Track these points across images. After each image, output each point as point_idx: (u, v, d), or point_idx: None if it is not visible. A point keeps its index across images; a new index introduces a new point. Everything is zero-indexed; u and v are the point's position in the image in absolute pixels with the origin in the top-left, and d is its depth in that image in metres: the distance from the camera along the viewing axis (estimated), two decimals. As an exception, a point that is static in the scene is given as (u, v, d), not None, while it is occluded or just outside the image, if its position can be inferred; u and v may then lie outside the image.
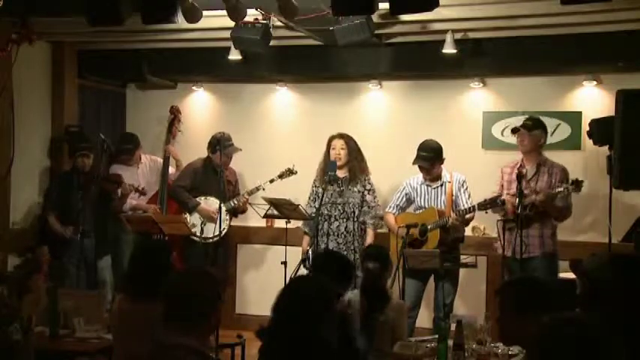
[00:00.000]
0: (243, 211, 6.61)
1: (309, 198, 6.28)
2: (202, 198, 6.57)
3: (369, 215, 6.16)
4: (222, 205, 6.22)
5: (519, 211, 5.31)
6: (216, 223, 6.28)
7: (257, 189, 6.47)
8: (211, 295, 2.82)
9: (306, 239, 6.17)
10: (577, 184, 5.35)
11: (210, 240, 6.45)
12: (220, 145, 6.40)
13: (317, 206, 6.01)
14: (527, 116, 5.95)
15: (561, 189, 5.42)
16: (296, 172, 6.43)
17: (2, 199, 6.15)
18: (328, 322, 2.72)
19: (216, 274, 3.06)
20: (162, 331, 2.72)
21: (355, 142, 6.25)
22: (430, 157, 5.84)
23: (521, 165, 5.70)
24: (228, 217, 6.52)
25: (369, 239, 6.11)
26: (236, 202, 6.51)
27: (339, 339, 2.84)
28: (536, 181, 5.69)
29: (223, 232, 6.41)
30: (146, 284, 3.81)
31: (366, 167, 6.23)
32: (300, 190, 6.40)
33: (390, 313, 4.28)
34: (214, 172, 6.52)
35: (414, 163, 5.88)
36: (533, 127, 5.74)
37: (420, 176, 5.98)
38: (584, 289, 2.75)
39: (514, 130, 5.78)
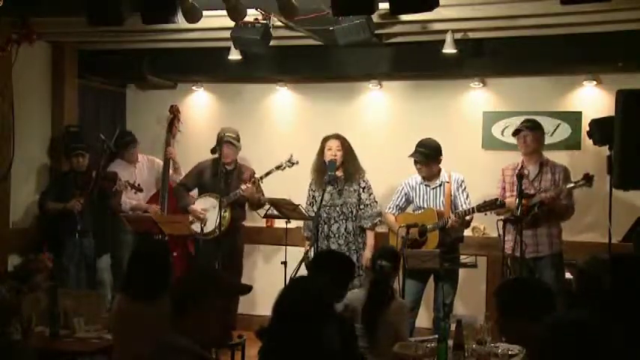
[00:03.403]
0: (252, 202, 6.47)
1: (307, 202, 6.22)
2: (199, 197, 6.56)
3: (364, 216, 6.10)
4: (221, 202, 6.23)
5: (518, 212, 5.30)
6: (203, 224, 6.33)
7: (267, 174, 6.35)
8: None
9: (308, 244, 6.11)
10: (588, 179, 5.34)
11: (211, 236, 6.39)
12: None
13: (315, 209, 5.98)
14: (525, 118, 5.97)
15: (572, 184, 5.43)
16: (297, 162, 6.30)
17: (2, 199, 6.15)
18: (328, 323, 2.72)
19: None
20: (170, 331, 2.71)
21: (349, 143, 6.19)
22: (426, 154, 5.82)
23: (522, 166, 5.71)
24: (227, 214, 6.43)
25: (370, 241, 6.07)
26: (237, 194, 6.38)
27: (340, 339, 2.83)
28: (539, 180, 5.69)
29: (217, 232, 6.32)
30: (145, 285, 3.82)
31: (360, 166, 6.18)
32: (299, 189, 6.39)
33: (391, 312, 4.28)
34: (224, 173, 6.48)
35: (410, 156, 5.86)
36: (535, 127, 5.78)
37: (417, 176, 5.97)
38: (582, 288, 2.75)
39: (516, 132, 5.80)
